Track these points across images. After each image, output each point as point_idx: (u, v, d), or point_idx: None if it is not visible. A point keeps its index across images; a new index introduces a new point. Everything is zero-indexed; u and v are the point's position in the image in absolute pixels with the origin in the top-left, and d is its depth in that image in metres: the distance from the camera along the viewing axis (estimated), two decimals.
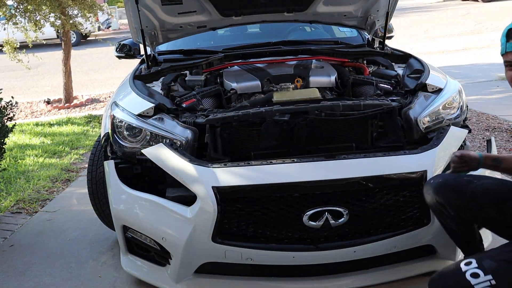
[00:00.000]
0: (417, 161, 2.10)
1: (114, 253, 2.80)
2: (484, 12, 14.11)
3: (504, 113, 4.84)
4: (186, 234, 2.08)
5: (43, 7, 6.19)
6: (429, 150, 2.15)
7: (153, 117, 2.35)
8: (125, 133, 2.36)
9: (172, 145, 2.24)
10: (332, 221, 2.03)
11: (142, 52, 3.29)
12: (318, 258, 2.15)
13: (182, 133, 2.31)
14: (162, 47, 3.51)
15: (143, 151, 2.26)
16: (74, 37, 13.83)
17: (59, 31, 7.35)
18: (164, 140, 2.29)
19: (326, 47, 3.30)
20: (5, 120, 3.31)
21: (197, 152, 2.31)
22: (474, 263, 1.57)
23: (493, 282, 1.52)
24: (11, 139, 5.09)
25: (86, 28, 7.45)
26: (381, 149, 2.33)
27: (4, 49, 6.69)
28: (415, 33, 11.57)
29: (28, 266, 2.76)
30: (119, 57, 3.87)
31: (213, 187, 2.01)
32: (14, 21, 6.40)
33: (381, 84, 2.69)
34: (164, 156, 2.18)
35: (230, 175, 2.05)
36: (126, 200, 2.26)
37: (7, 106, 3.37)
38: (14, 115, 3.44)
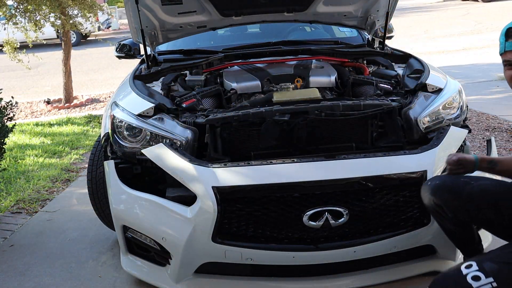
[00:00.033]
0: (417, 161, 2.10)
1: (114, 253, 2.80)
2: (484, 12, 14.11)
3: (504, 113, 4.84)
4: (186, 234, 2.08)
5: (43, 7, 6.19)
6: (429, 150, 2.15)
7: (153, 117, 2.35)
8: (125, 133, 2.36)
9: (172, 145, 2.24)
10: (332, 221, 2.03)
11: (142, 52, 3.29)
12: (318, 258, 2.15)
13: (182, 133, 2.31)
14: (162, 47, 3.51)
15: (143, 151, 2.26)
16: (74, 37, 13.83)
17: (59, 31, 7.35)
18: (164, 140, 2.29)
19: (326, 47, 3.30)
20: (5, 120, 3.31)
21: (197, 152, 2.31)
22: (475, 266, 1.56)
23: (495, 284, 1.51)
24: (11, 139, 5.09)
25: (86, 28, 7.45)
26: (381, 149, 2.33)
27: (4, 49, 6.69)
28: (415, 33, 11.57)
29: (28, 266, 2.76)
30: (119, 57, 3.87)
31: (213, 187, 2.01)
32: (14, 21, 6.41)
33: (381, 84, 2.69)
34: (164, 156, 2.18)
35: (230, 175, 2.05)
36: (126, 200, 2.26)
37: (7, 106, 3.37)
38: (14, 115, 3.45)
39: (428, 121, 2.38)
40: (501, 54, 1.79)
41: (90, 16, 6.93)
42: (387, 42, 3.43)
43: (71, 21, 6.74)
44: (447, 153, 2.16)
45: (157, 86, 2.85)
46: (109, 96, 6.64)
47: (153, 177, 2.38)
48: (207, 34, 3.51)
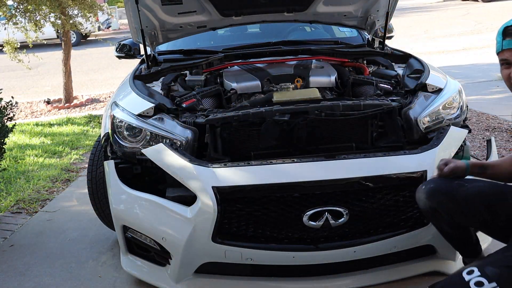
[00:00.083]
0: (417, 161, 2.10)
1: (114, 253, 2.80)
2: (484, 12, 14.11)
3: (504, 113, 4.84)
4: (186, 234, 2.08)
5: (43, 7, 6.19)
6: (429, 150, 2.15)
7: (153, 117, 2.35)
8: (125, 133, 2.36)
9: (172, 145, 2.24)
10: (332, 221, 2.03)
11: (142, 52, 3.29)
12: (318, 258, 2.15)
13: (182, 133, 2.31)
14: (162, 47, 3.51)
15: (143, 151, 2.26)
16: (74, 37, 13.83)
17: (59, 31, 7.36)
18: (164, 140, 2.29)
19: (326, 47, 3.30)
20: (5, 120, 3.31)
21: (197, 152, 2.31)
22: (477, 272, 1.55)
23: None
24: (11, 139, 5.09)
25: (86, 28, 7.45)
26: (381, 149, 2.33)
27: (4, 49, 6.69)
28: (415, 33, 11.57)
29: (28, 266, 2.76)
30: (119, 57, 3.87)
31: (213, 187, 2.01)
32: (14, 21, 6.41)
33: (381, 84, 2.69)
34: (164, 156, 2.18)
35: (230, 175, 2.05)
36: (126, 200, 2.26)
37: (7, 106, 3.37)
38: (14, 115, 3.45)
39: (428, 121, 2.38)
40: (498, 53, 1.78)
41: (90, 16, 6.93)
42: (387, 42, 3.43)
43: (71, 21, 6.74)
44: (447, 153, 2.16)
45: (157, 86, 2.85)
46: (109, 96, 6.64)
47: (153, 177, 2.38)
48: (207, 34, 3.51)
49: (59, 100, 7.44)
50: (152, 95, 2.55)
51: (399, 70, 2.91)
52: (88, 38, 15.46)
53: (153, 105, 2.37)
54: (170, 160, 2.16)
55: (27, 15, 6.41)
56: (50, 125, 5.99)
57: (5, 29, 6.45)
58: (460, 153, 2.35)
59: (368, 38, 3.59)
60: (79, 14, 6.89)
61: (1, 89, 3.52)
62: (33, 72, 9.61)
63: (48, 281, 2.61)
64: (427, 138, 2.32)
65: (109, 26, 17.79)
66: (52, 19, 6.58)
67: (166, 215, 2.14)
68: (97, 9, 6.85)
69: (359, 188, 2.05)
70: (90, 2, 6.65)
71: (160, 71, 3.00)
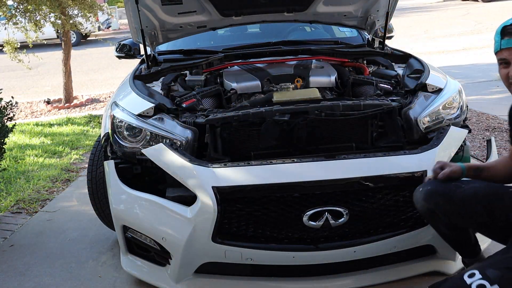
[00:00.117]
0: (417, 161, 2.10)
1: (114, 253, 2.80)
2: (484, 12, 14.11)
3: (504, 113, 4.81)
4: (186, 234, 2.08)
5: (43, 7, 6.19)
6: (429, 150, 2.15)
7: (153, 117, 2.35)
8: (125, 133, 2.36)
9: (172, 145, 2.23)
10: (332, 221, 2.03)
11: (142, 52, 3.29)
12: (318, 258, 2.15)
13: (182, 133, 2.31)
14: (162, 47, 3.51)
15: (143, 151, 2.26)
16: (74, 37, 13.83)
17: (59, 31, 7.35)
18: (164, 140, 2.29)
19: (326, 47, 3.30)
20: (5, 120, 3.31)
21: (197, 152, 2.31)
22: (478, 274, 1.54)
23: None
24: (11, 139, 5.09)
25: (86, 28, 7.44)
26: (381, 149, 2.33)
27: (4, 49, 6.69)
28: (415, 33, 11.57)
29: (28, 266, 2.76)
30: (119, 57, 3.87)
31: (213, 187, 2.01)
32: (14, 21, 6.41)
33: (381, 84, 2.69)
34: (164, 156, 2.18)
35: (230, 175, 2.05)
36: (126, 200, 2.26)
37: (7, 106, 3.37)
38: (14, 115, 3.45)
39: (428, 121, 2.38)
40: (496, 52, 1.78)
41: (90, 16, 6.93)
42: (387, 42, 3.43)
43: (71, 21, 6.74)
44: (447, 153, 2.16)
45: (157, 86, 2.85)
46: (109, 96, 6.64)
47: (153, 177, 2.38)
48: (207, 34, 3.51)
49: (59, 100, 7.44)
50: (152, 95, 2.55)
51: (399, 70, 2.91)
52: (88, 38, 15.46)
53: (153, 105, 2.37)
54: (170, 160, 2.16)
55: (27, 15, 6.41)
56: (50, 125, 5.99)
57: (5, 29, 6.45)
58: (460, 153, 2.35)
59: (368, 38, 3.59)
60: (79, 14, 6.89)
61: (1, 89, 3.52)
62: (33, 72, 9.61)
63: (48, 281, 2.61)
64: (427, 138, 2.32)
65: (109, 26, 17.79)
66: (52, 19, 6.58)
67: (166, 215, 2.14)
68: (97, 9, 6.85)
69: (359, 188, 2.05)
70: (90, 2, 6.65)
71: (160, 71, 3.00)
